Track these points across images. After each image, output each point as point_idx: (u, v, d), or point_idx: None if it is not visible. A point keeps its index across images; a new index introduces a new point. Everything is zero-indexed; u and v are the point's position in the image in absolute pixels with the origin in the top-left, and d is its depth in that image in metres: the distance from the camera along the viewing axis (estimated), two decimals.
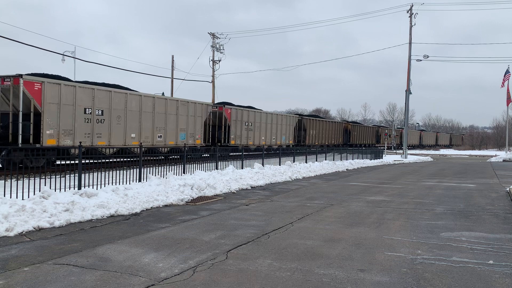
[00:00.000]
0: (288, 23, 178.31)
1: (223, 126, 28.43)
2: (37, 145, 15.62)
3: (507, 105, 51.22)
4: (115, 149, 17.30)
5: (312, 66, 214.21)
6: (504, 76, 50.09)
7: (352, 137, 54.68)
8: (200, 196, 12.12)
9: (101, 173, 11.57)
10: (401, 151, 50.54)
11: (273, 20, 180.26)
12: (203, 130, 25.73)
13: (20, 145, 15.08)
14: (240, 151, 20.67)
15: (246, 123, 30.73)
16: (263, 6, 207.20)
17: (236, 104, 31.24)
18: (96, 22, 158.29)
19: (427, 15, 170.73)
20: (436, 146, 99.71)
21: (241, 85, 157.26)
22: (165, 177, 13.11)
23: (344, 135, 52.22)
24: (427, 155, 53.67)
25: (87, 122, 17.63)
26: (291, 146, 37.37)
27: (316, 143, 43.04)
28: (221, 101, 33.92)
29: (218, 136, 28.11)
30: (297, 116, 41.88)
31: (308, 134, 41.76)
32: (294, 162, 23.03)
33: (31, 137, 15.56)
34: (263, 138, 33.27)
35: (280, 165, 21.28)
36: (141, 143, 19.82)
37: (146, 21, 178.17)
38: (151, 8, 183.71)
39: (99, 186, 10.83)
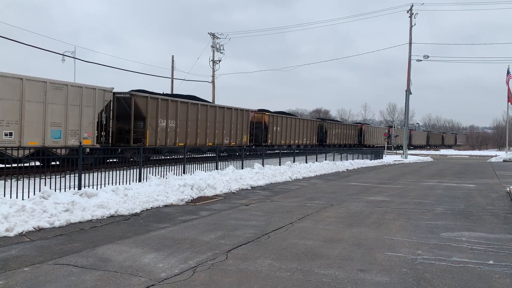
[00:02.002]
0: (286, 23, 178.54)
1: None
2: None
3: (508, 99, 51.08)
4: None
5: (311, 66, 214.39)
6: (507, 75, 50.05)
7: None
8: (200, 196, 12.12)
9: (101, 173, 11.56)
10: (401, 151, 50.54)
11: (271, 20, 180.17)
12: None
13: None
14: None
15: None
16: (261, 6, 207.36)
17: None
18: (95, 22, 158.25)
19: (426, 15, 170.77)
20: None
21: (240, 85, 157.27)
22: (165, 177, 13.11)
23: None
24: (427, 155, 53.67)
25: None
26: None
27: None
28: (219, 101, 38.58)
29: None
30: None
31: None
32: (294, 162, 23.02)
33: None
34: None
35: (280, 165, 21.28)
36: (142, 144, 19.92)
37: (145, 21, 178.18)
38: (150, 8, 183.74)
39: (99, 186, 10.84)
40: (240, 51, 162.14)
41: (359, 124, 59.48)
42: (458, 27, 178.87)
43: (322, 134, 45.33)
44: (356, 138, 55.10)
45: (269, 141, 33.53)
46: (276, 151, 25.87)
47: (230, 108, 27.43)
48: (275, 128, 34.61)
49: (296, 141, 39.10)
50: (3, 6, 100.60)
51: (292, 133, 38.10)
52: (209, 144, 24.89)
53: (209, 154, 21.71)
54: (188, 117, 23.29)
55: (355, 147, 47.99)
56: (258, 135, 32.66)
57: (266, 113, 34.18)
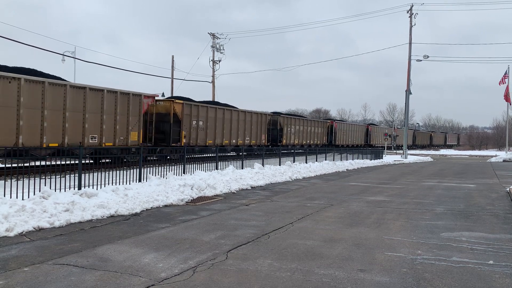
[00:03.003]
0: (286, 23, 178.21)
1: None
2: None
3: (505, 98, 51.17)
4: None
5: (311, 66, 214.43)
6: (504, 75, 50.03)
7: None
8: (200, 196, 12.12)
9: (101, 173, 11.56)
10: (401, 151, 50.54)
11: (270, 20, 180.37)
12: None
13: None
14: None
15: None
16: (260, 6, 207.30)
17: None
18: (95, 22, 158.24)
19: (425, 15, 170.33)
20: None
21: (240, 85, 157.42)
22: (165, 177, 13.11)
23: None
24: (427, 155, 53.66)
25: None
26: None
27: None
28: (219, 100, 40.03)
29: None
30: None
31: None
32: (294, 162, 23.02)
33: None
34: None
35: (280, 165, 21.28)
36: (143, 144, 19.94)
37: (144, 21, 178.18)
38: (149, 8, 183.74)
39: (99, 186, 10.84)
40: (240, 51, 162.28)
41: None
42: (458, 27, 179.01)
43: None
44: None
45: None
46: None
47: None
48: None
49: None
50: (2, 6, 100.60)
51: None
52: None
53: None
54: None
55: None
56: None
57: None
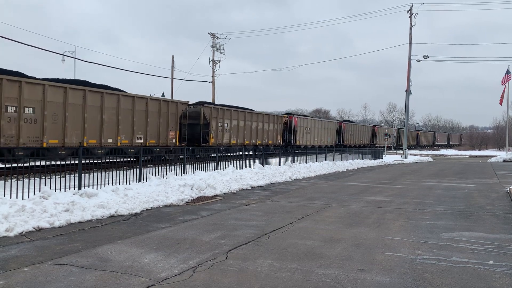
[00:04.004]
0: (284, 22, 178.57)
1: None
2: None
3: (500, 103, 51.32)
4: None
5: (311, 66, 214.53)
6: (506, 75, 50.00)
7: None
8: (200, 196, 12.12)
9: (101, 173, 11.56)
10: (401, 151, 50.55)
11: (269, 20, 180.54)
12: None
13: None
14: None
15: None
16: (259, 6, 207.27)
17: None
18: (93, 22, 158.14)
19: (425, 15, 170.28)
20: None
21: (240, 85, 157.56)
22: (165, 177, 13.11)
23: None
24: (427, 155, 53.65)
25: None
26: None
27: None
28: (219, 101, 39.92)
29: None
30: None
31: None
32: (294, 162, 23.01)
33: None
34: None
35: (280, 165, 21.28)
36: (141, 144, 19.95)
37: (143, 21, 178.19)
38: (147, 8, 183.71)
39: (99, 186, 10.83)
40: (240, 51, 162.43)
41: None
42: (458, 27, 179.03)
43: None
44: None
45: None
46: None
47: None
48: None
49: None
50: (2, 6, 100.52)
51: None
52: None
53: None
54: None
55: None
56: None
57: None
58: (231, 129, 28.43)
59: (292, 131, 37.74)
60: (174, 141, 22.51)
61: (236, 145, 27.95)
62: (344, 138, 50.54)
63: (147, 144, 20.46)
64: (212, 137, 26.16)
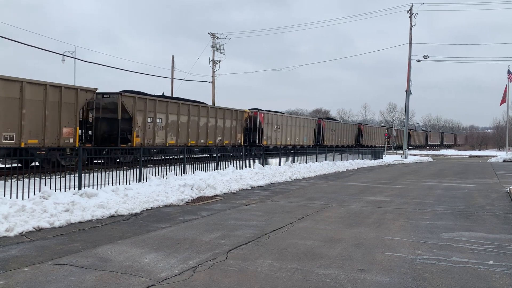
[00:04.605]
0: (284, 22, 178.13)
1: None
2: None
3: (500, 104, 51.43)
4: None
5: (311, 66, 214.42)
6: (509, 74, 49.97)
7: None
8: (200, 196, 12.12)
9: (101, 173, 11.57)
10: (401, 151, 50.55)
11: (268, 20, 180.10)
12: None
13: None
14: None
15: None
16: (258, 6, 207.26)
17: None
18: (93, 22, 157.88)
19: (425, 15, 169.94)
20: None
21: (239, 86, 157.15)
22: (165, 177, 13.11)
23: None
24: (427, 155, 53.65)
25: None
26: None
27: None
28: (219, 101, 38.98)
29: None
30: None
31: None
32: (294, 162, 23.02)
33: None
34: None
35: (280, 165, 21.27)
36: (141, 144, 19.94)
37: (142, 21, 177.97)
38: (147, 8, 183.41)
39: (99, 186, 10.83)
40: (240, 51, 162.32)
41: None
42: (458, 27, 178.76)
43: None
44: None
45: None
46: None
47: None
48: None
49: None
50: (1, 6, 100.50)
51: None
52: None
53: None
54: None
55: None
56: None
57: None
58: (168, 125, 22.73)
59: (258, 129, 32.51)
60: (72, 140, 17.15)
61: (175, 146, 22.87)
62: (324, 137, 45.27)
63: (23, 145, 15.20)
64: (138, 136, 20.57)
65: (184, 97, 26.57)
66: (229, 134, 28.70)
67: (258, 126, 32.55)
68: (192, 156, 17.85)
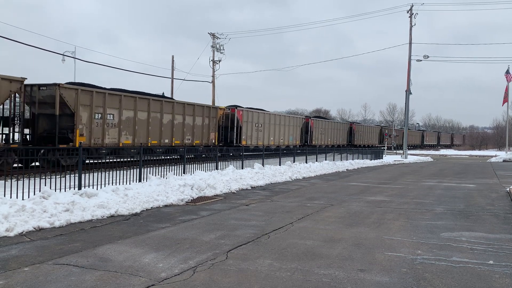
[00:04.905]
0: (284, 22, 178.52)
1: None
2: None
3: (502, 104, 51.48)
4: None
5: (311, 66, 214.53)
6: (508, 74, 49.96)
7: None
8: (200, 196, 12.12)
9: (101, 173, 11.56)
10: (401, 151, 50.55)
11: (268, 20, 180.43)
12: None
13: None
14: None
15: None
16: (258, 6, 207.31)
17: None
18: (93, 22, 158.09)
19: (425, 15, 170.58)
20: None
21: (240, 86, 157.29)
22: (165, 177, 13.11)
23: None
24: (427, 155, 53.65)
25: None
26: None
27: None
28: (219, 101, 37.73)
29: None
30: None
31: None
32: (294, 162, 23.02)
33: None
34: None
35: (280, 165, 21.27)
36: (141, 144, 19.92)
37: (142, 21, 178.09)
38: (146, 8, 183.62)
39: (99, 186, 10.83)
40: (240, 51, 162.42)
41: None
42: (458, 27, 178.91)
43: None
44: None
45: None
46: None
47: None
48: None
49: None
50: (2, 6, 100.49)
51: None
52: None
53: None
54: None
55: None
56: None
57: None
58: (122, 123, 19.84)
59: (235, 127, 30.07)
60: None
61: (132, 146, 20.01)
62: (313, 137, 42.85)
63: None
64: (82, 135, 17.95)
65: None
66: (200, 133, 25.53)
67: (236, 124, 30.01)
68: (153, 158, 16.28)
